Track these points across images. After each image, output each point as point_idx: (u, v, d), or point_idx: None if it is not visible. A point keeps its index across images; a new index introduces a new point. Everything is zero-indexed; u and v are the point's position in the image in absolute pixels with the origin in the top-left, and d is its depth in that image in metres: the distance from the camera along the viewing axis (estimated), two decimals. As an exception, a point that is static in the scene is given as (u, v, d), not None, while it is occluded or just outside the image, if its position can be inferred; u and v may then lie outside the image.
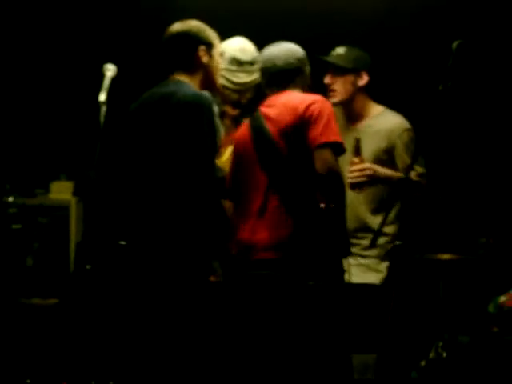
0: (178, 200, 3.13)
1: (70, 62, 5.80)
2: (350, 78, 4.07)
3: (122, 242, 3.33)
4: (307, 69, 3.65)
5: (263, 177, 3.46)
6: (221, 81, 3.62)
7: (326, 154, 3.35)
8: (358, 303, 3.21)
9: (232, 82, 3.75)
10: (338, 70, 4.06)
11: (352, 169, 3.74)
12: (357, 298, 3.22)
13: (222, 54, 3.55)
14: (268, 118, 3.48)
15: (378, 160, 3.95)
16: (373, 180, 3.78)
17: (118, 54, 4.15)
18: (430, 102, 3.39)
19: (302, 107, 3.40)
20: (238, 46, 3.79)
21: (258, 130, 3.51)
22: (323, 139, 3.36)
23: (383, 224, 3.62)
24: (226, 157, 3.76)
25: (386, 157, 4.02)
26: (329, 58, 4.08)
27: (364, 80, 4.09)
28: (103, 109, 3.17)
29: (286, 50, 3.62)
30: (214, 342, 3.17)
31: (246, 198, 3.53)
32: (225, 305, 3.21)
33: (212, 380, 3.16)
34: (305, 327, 3.17)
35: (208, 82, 3.41)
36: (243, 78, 3.76)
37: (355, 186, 3.76)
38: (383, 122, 4.08)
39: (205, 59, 3.39)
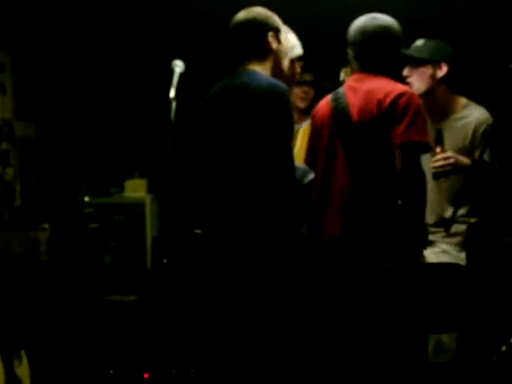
0: (256, 189, 3.11)
1: (139, 60, 5.88)
2: (428, 69, 3.93)
3: (198, 231, 3.34)
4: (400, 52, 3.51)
5: (342, 161, 3.36)
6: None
7: (407, 154, 3.23)
8: (435, 283, 3.16)
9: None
10: (415, 62, 3.92)
11: (436, 158, 3.68)
12: (434, 278, 3.17)
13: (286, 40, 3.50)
14: (351, 105, 3.35)
15: (464, 153, 3.88)
16: (456, 168, 3.72)
17: (186, 49, 4.17)
18: (501, 83, 3.32)
19: (387, 101, 3.24)
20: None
21: (340, 114, 3.37)
22: (405, 138, 3.22)
23: (457, 208, 3.54)
24: (296, 147, 3.72)
25: (468, 149, 3.94)
26: (405, 51, 3.99)
27: (443, 71, 3.96)
28: (173, 105, 3.18)
29: (387, 26, 3.44)
30: (297, 329, 3.16)
31: (322, 180, 3.43)
32: (302, 288, 3.19)
33: (299, 364, 3.16)
34: (379, 309, 3.14)
35: (277, 69, 3.36)
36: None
37: (439, 176, 3.72)
38: (467, 118, 3.98)
39: (274, 45, 3.34)
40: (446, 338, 3.75)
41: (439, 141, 3.73)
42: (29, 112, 5.62)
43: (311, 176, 3.44)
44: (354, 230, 3.27)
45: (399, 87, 3.33)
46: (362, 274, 3.17)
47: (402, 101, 3.24)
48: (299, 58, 3.63)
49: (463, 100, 4.03)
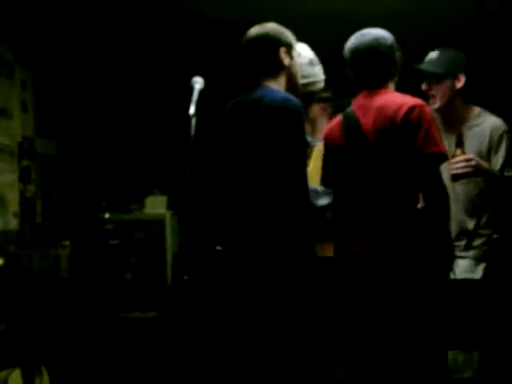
0: (272, 204, 3.11)
1: (159, 77, 5.91)
2: (447, 82, 3.92)
3: (218, 248, 3.34)
4: (399, 56, 3.44)
5: (361, 180, 3.33)
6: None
7: (427, 166, 3.22)
8: (456, 299, 3.14)
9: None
10: (433, 77, 3.92)
11: (455, 160, 3.64)
12: (455, 294, 3.15)
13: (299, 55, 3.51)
14: (364, 124, 3.33)
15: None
16: (476, 171, 3.69)
17: (206, 66, 4.18)
18: None
19: (399, 115, 3.23)
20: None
21: (353, 135, 3.37)
22: (423, 151, 3.20)
23: (478, 225, 3.51)
24: (310, 166, 3.68)
25: (485, 155, 3.93)
26: (422, 66, 3.94)
27: (461, 82, 3.95)
28: (193, 122, 3.19)
29: (375, 40, 3.41)
30: (320, 341, 3.15)
31: (340, 195, 3.44)
32: (325, 301, 3.18)
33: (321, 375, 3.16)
34: (401, 324, 3.12)
35: (291, 84, 3.37)
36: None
37: (458, 178, 3.69)
38: (482, 124, 3.97)
39: (286, 61, 3.34)
40: (468, 353, 3.73)
41: (460, 143, 3.69)
42: (49, 129, 5.66)
43: (326, 200, 3.45)
44: (383, 248, 3.25)
45: (408, 100, 3.30)
46: (388, 290, 3.16)
47: (414, 114, 3.22)
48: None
49: (477, 109, 4.03)
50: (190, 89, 3.35)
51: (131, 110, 6.11)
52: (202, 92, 3.33)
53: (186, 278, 3.11)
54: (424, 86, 3.94)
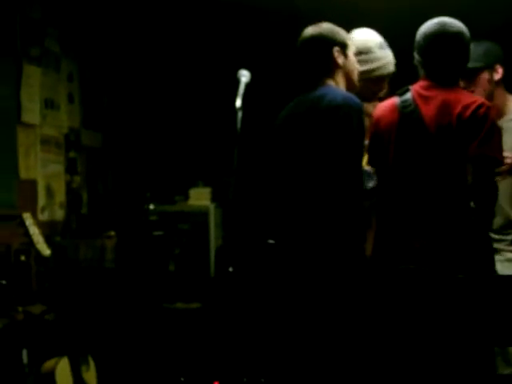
0: (329, 201, 3.14)
1: (205, 70, 5.93)
2: (484, 75, 3.89)
3: (271, 241, 3.36)
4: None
5: (412, 169, 3.29)
6: None
7: (480, 167, 3.18)
8: (506, 295, 3.12)
9: None
10: (470, 72, 3.81)
11: None
12: (505, 290, 3.13)
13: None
14: (425, 114, 3.27)
15: None
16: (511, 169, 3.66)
17: (252, 60, 4.19)
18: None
19: (467, 113, 3.19)
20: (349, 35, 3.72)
21: (413, 123, 3.31)
22: (480, 151, 3.16)
23: None
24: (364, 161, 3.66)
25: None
26: None
27: (499, 73, 3.90)
28: (239, 115, 3.21)
29: (461, 31, 3.33)
30: (370, 341, 3.15)
31: (387, 181, 3.38)
32: (373, 299, 3.18)
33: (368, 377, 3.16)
34: (453, 320, 3.11)
35: (348, 83, 3.39)
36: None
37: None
38: None
39: (340, 60, 3.37)
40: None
41: None
42: (95, 121, 5.72)
43: (372, 183, 3.43)
44: (431, 241, 3.24)
45: (477, 99, 3.26)
46: (436, 286, 3.15)
47: (481, 112, 3.18)
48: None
49: None
50: (237, 82, 3.37)
51: (177, 103, 6.14)
52: (248, 85, 3.35)
53: (231, 269, 3.13)
54: (462, 84, 3.88)
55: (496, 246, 3.66)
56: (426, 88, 3.35)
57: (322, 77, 3.35)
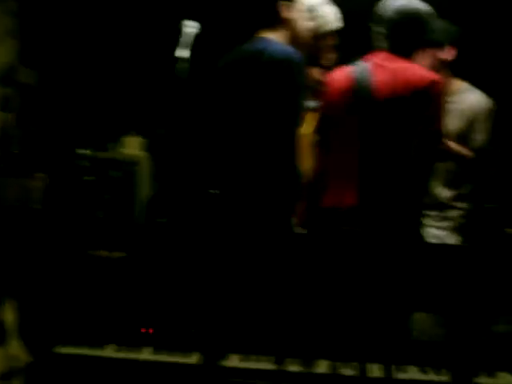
0: (267, 152, 3.14)
1: (147, 19, 5.85)
2: (432, 51, 3.94)
3: (213, 191, 3.36)
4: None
5: (357, 134, 3.37)
6: None
7: (429, 141, 3.28)
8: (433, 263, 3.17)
9: None
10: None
11: None
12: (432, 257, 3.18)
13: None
14: (379, 81, 3.34)
15: (458, 137, 3.89)
16: (446, 155, 3.72)
17: (200, 11, 4.15)
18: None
19: (421, 85, 3.28)
20: None
21: (363, 89, 3.36)
22: (432, 126, 3.28)
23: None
24: (307, 129, 3.65)
25: (466, 134, 3.94)
26: None
27: (447, 54, 3.93)
28: (183, 65, 3.18)
29: (422, 11, 3.44)
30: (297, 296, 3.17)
31: (336, 154, 3.47)
32: (313, 259, 3.21)
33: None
34: (381, 284, 3.15)
35: (293, 38, 3.36)
36: None
37: None
38: (465, 101, 3.98)
39: (285, 14, 3.33)
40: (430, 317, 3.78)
41: None
42: (33, 59, 5.59)
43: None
44: (367, 202, 3.27)
45: (432, 74, 3.34)
46: (369, 249, 3.19)
47: (436, 88, 3.24)
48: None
49: (463, 84, 4.02)
50: (178, 32, 3.33)
51: (117, 50, 6.05)
52: (195, 36, 3.32)
53: (164, 220, 3.13)
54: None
55: (424, 221, 3.73)
56: (384, 59, 3.38)
57: (265, 29, 3.31)
